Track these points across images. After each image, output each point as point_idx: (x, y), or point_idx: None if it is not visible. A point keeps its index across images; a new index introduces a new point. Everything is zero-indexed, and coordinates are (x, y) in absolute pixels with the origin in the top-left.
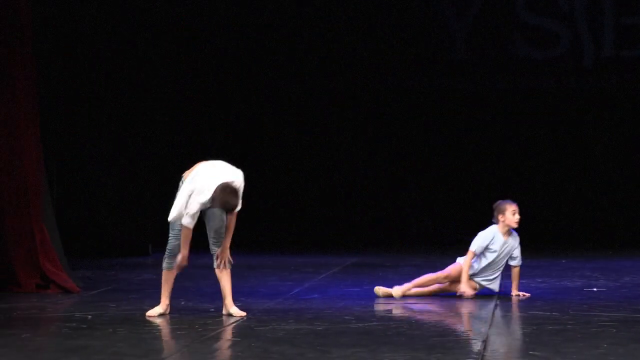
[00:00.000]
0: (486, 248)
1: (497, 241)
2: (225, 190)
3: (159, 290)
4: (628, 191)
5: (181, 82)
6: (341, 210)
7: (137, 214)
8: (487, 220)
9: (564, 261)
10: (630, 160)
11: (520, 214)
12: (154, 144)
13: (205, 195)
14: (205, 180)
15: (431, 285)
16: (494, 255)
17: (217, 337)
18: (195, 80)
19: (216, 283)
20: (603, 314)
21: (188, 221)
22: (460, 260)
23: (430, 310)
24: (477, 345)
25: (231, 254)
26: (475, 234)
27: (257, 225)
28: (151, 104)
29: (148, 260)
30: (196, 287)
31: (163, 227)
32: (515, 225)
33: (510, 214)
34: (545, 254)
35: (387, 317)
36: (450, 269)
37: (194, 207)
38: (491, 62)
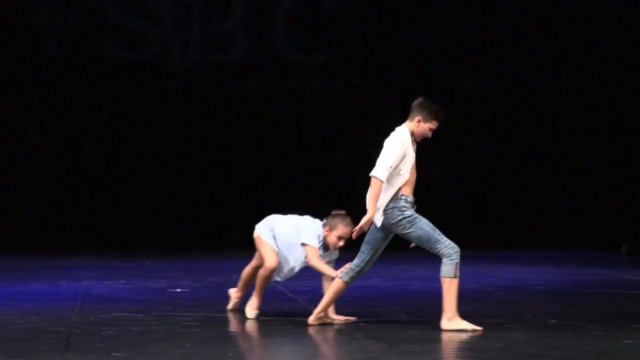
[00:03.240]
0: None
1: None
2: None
3: None
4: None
5: None
6: None
7: None
8: None
9: (148, 262)
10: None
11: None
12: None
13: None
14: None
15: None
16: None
17: None
18: None
19: None
20: (186, 314)
21: (382, 172)
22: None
23: (16, 314)
24: (60, 348)
25: None
26: None
27: None
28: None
29: None
30: None
31: None
32: (333, 249)
33: (336, 238)
34: (131, 256)
35: None
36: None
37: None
38: (85, 63)
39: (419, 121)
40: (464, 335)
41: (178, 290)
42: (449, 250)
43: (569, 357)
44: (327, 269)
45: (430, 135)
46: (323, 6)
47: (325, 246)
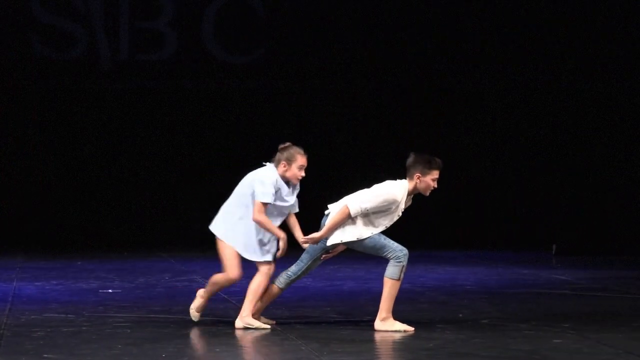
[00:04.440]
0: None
1: (283, 189)
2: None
3: None
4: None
5: None
6: None
7: None
8: None
9: (79, 263)
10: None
11: None
12: None
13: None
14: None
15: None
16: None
17: None
18: None
19: None
20: (118, 315)
21: (356, 209)
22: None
23: None
24: None
25: None
26: None
27: None
28: None
29: None
30: None
31: None
32: (296, 182)
33: (297, 169)
34: (62, 257)
35: None
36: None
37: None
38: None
39: (418, 177)
40: (396, 336)
41: (110, 291)
42: (397, 252)
43: (500, 356)
44: (274, 228)
45: (436, 185)
46: (253, 7)
47: (287, 183)
